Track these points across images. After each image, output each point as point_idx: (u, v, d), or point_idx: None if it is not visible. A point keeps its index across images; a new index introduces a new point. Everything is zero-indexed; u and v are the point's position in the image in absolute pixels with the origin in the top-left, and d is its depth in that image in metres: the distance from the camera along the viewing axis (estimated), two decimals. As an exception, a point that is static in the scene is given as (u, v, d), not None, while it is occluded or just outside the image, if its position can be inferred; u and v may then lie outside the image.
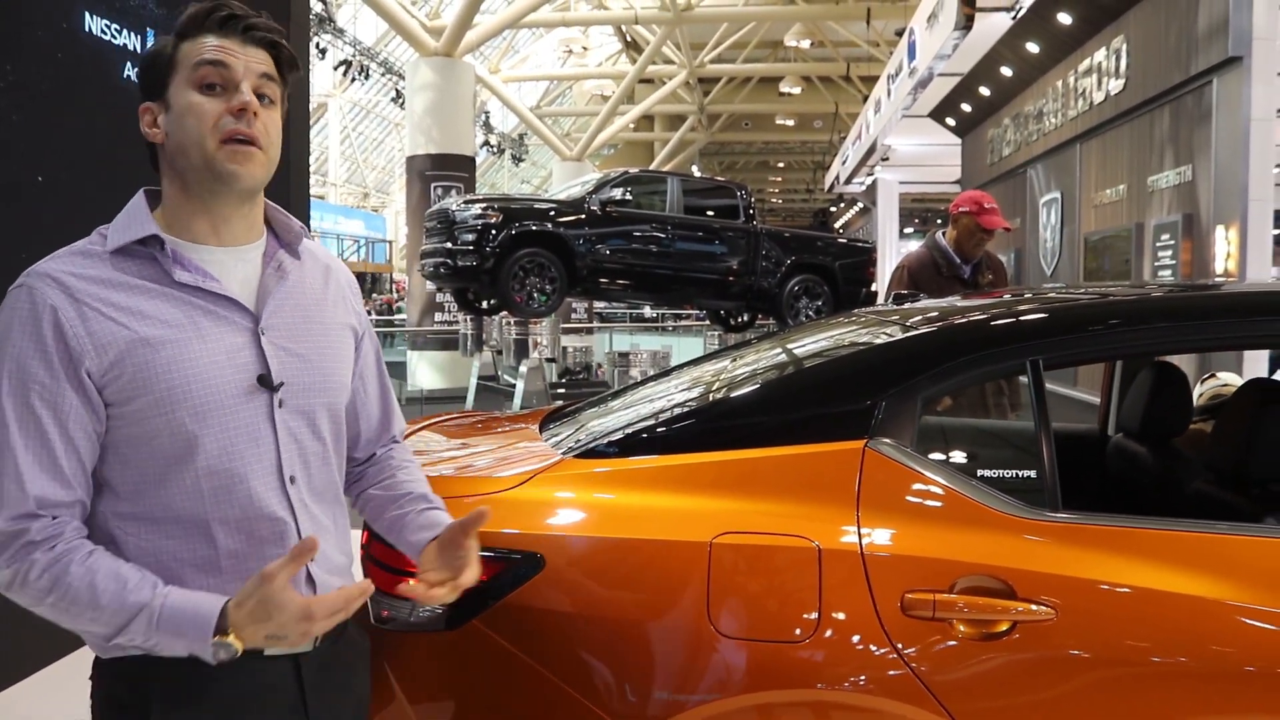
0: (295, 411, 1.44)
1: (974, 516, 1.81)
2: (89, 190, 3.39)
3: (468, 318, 11.58)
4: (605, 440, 2.05)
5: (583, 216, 10.84)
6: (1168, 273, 10.56)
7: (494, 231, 10.26)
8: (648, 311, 26.16)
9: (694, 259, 11.53)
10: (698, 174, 25.98)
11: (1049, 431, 1.89)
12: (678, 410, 2.19)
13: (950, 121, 20.46)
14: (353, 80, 27.18)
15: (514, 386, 10.05)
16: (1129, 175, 11.88)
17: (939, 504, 1.83)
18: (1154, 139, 11.22)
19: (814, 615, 1.73)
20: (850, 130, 30.62)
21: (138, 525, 1.37)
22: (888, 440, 1.87)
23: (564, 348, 12.28)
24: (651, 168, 16.93)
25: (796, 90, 33.79)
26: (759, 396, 2.13)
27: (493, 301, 11.20)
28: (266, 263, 1.48)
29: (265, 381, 1.40)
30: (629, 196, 11.04)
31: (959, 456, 3.11)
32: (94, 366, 1.32)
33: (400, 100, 25.01)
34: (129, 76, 3.65)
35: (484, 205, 10.59)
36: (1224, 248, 9.51)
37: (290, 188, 6.55)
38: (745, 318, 13.82)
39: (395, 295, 33.39)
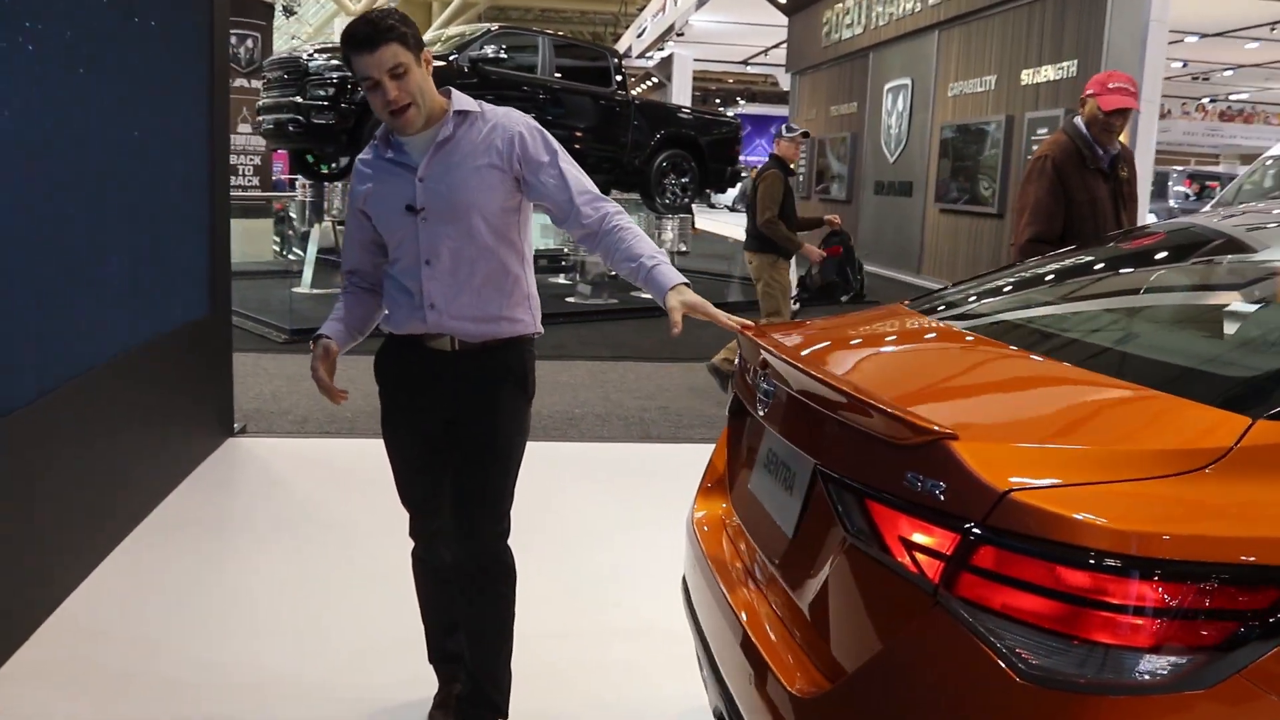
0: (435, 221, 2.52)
1: None
2: None
3: (306, 184, 10.30)
4: None
5: (451, 74, 9.66)
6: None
7: (354, 86, 8.96)
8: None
9: (571, 129, 10.54)
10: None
11: None
12: None
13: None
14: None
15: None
16: (1000, 67, 11.84)
17: None
18: (1032, 32, 11.16)
19: None
20: (650, 2, 29.74)
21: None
22: None
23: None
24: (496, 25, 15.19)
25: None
26: None
27: (335, 166, 9.98)
28: (434, 137, 2.49)
29: (410, 208, 2.48)
30: (502, 55, 9.87)
31: None
32: (360, 203, 2.58)
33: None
34: None
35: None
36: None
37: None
38: (612, 193, 13.03)
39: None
